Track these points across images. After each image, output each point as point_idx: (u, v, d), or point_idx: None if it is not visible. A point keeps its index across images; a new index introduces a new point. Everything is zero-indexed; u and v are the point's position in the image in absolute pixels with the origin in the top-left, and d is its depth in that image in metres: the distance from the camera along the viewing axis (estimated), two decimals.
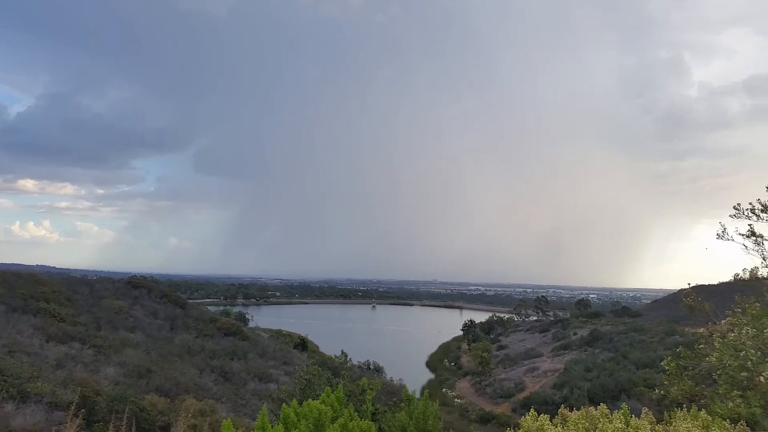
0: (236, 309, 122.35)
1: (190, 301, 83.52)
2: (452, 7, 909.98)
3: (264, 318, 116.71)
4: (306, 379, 9.52)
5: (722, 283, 70.79)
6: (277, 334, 78.10)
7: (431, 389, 65.86)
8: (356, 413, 5.41)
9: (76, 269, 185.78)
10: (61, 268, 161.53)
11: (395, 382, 56.22)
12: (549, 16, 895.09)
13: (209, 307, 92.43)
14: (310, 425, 4.40)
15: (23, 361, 25.17)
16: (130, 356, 35.24)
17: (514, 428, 4.84)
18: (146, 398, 24.68)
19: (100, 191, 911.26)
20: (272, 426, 5.09)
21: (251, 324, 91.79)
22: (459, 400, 62.27)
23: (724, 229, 7.05)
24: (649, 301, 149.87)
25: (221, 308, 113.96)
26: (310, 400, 5.26)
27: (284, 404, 5.46)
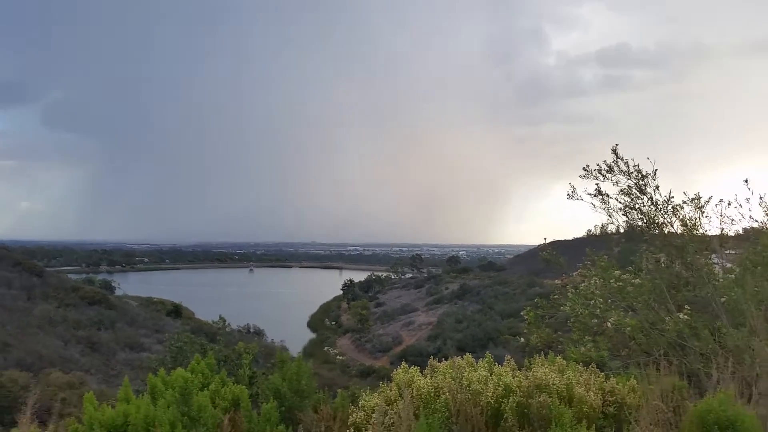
0: (100, 276, 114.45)
1: (48, 269, 76.89)
2: None
3: (132, 285, 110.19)
4: (177, 347, 9.15)
5: (576, 238, 77.52)
6: (148, 302, 74.38)
7: (313, 348, 66.57)
8: (232, 378, 5.27)
9: None
10: None
11: (276, 343, 56.09)
12: None
13: (70, 275, 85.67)
14: (176, 394, 4.20)
15: None
16: None
17: (388, 380, 4.94)
18: (5, 374, 22.71)
19: None
20: (139, 396, 4.82)
21: (118, 292, 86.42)
22: (340, 357, 63.59)
23: (574, 189, 7.57)
24: (512, 256, 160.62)
25: (83, 276, 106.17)
26: (179, 368, 5.03)
27: (150, 374, 5.18)
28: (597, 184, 7.39)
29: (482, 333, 57.00)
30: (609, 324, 6.29)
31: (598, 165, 7.34)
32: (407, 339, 65.60)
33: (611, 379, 4.87)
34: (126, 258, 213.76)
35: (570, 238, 78.21)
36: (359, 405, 4.65)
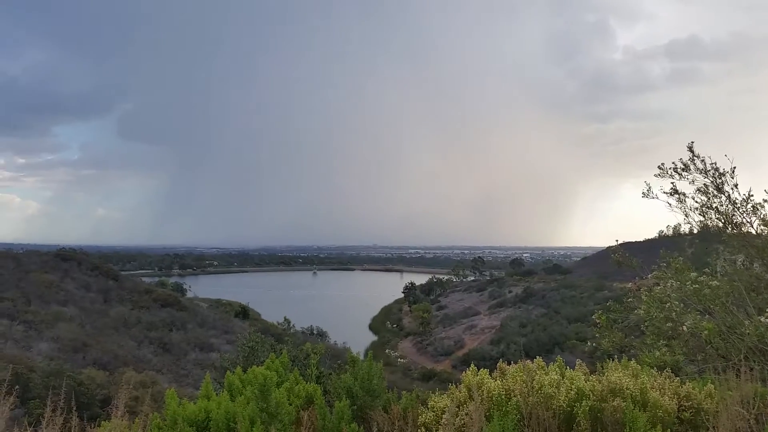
0: (172, 280, 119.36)
1: (123, 272, 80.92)
2: None
3: (202, 288, 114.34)
4: (249, 347, 9.50)
5: (647, 239, 74.79)
6: (217, 304, 77.01)
7: (374, 350, 67.02)
8: (301, 377, 5.45)
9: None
10: None
11: (339, 345, 56.83)
12: None
13: (144, 279, 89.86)
14: (255, 391, 4.40)
15: None
16: (63, 331, 34.20)
17: (455, 384, 4.97)
18: (84, 372, 24.04)
19: (21, 160, 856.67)
20: (217, 394, 5.05)
21: (189, 294, 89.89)
22: (402, 360, 63.73)
23: (649, 187, 7.34)
24: (578, 259, 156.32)
25: (156, 279, 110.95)
26: (254, 366, 5.25)
27: (228, 372, 5.42)
28: (672, 183, 7.16)
29: (548, 338, 55.74)
30: (685, 328, 6.09)
31: (673, 163, 7.10)
32: (469, 342, 64.99)
33: (687, 384, 4.74)
34: (197, 261, 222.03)
35: (641, 239, 75.63)
36: (429, 406, 4.71)
